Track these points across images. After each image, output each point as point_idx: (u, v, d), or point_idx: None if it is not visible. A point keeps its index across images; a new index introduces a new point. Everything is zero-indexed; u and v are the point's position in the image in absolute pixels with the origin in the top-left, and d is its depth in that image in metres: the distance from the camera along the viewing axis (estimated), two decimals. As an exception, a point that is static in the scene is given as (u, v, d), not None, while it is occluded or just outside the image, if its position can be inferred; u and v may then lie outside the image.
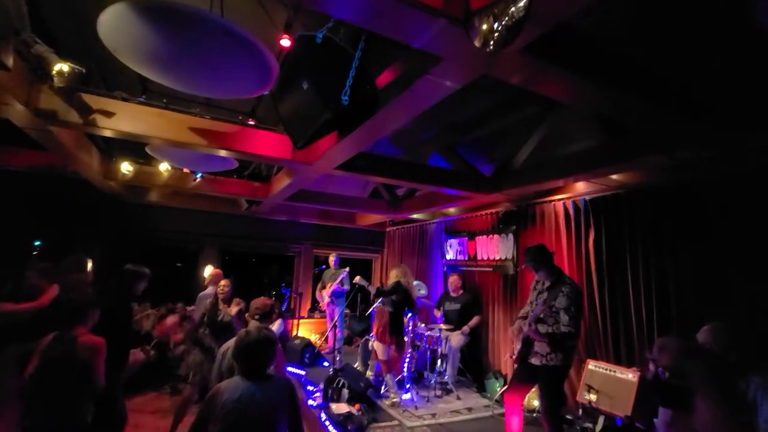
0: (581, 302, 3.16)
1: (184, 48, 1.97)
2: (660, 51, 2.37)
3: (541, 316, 3.03)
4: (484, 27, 1.46)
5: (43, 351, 2.23)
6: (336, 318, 6.14)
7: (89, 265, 3.89)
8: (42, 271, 3.31)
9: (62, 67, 2.50)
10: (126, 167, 4.72)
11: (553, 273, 3.17)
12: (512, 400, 3.19)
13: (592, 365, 3.82)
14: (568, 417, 3.92)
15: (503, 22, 1.39)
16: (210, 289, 4.36)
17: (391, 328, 4.49)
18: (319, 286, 7.00)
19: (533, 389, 3.58)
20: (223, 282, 3.93)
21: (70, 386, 2.19)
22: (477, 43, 1.51)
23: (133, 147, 4.27)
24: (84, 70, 2.58)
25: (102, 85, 3.45)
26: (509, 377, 4.58)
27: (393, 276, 4.76)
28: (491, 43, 1.46)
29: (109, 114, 3.09)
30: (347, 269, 6.52)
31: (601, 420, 3.54)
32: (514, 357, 3.25)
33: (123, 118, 3.15)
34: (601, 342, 3.98)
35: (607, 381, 3.58)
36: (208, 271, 5.32)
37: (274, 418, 1.86)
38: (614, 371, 3.61)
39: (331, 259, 6.97)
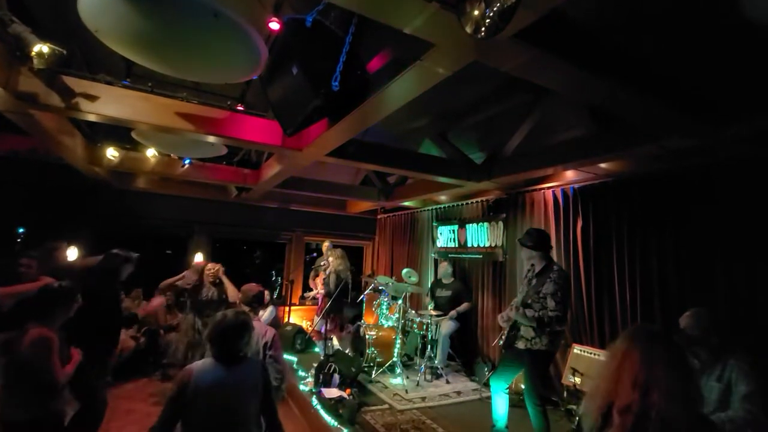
0: (568, 288, 3.22)
1: (169, 30, 1.92)
2: (651, 42, 2.38)
3: (529, 301, 3.10)
4: (476, 13, 1.44)
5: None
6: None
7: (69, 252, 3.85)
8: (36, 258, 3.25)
9: (42, 48, 2.40)
10: (111, 153, 4.61)
11: (545, 259, 3.23)
12: (499, 383, 3.26)
13: (577, 349, 3.92)
14: (553, 399, 4.04)
15: (495, 8, 1.37)
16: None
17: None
18: (312, 274, 6.98)
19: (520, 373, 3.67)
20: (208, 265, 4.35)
21: (24, 381, 2.13)
22: (468, 29, 1.49)
23: (119, 132, 4.17)
24: (65, 52, 2.49)
25: (85, 68, 3.34)
26: (497, 361, 4.68)
27: (334, 260, 5.54)
28: (483, 29, 1.45)
29: (92, 98, 3.00)
30: None
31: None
32: (501, 343, 3.32)
33: (107, 102, 3.05)
34: (586, 327, 4.07)
35: (592, 364, 3.69)
36: (198, 258, 5.33)
37: (245, 401, 1.82)
38: (598, 355, 3.71)
39: (325, 246, 6.95)
